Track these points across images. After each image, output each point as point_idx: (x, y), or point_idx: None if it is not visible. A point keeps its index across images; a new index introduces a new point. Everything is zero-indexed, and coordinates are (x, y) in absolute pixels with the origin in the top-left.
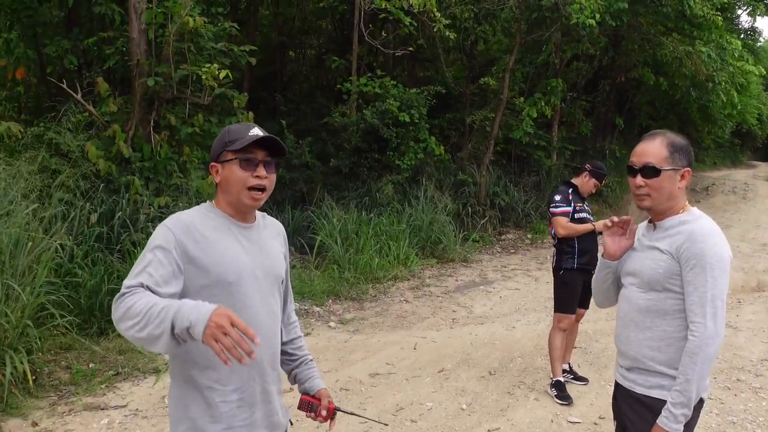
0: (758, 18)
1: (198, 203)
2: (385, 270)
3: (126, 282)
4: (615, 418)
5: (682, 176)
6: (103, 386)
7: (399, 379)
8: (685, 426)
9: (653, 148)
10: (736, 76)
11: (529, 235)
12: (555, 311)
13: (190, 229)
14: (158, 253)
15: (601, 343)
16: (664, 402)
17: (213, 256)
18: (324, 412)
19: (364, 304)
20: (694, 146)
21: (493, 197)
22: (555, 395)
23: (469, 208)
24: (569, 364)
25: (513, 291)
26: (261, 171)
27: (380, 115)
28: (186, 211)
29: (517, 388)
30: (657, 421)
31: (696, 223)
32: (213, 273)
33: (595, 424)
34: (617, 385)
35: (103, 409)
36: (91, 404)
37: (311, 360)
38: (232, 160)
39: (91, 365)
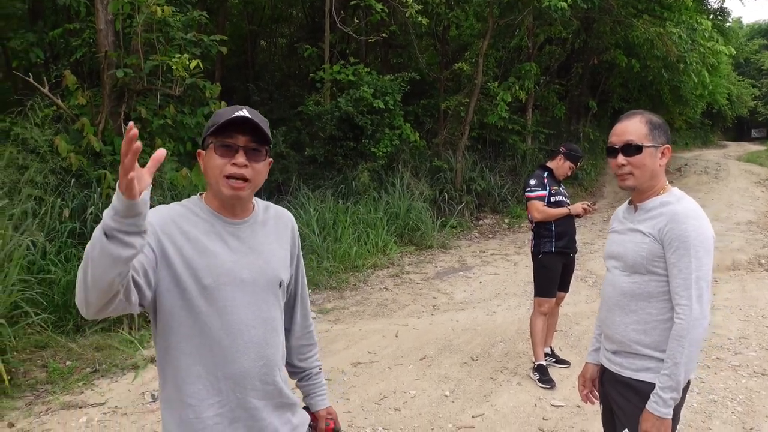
0: None
1: (172, 196)
2: (364, 258)
3: None
4: (601, 402)
5: (663, 153)
6: (80, 384)
7: (382, 368)
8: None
9: (633, 126)
10: (706, 57)
11: (506, 220)
12: (535, 295)
13: (168, 224)
14: None
15: (581, 326)
16: (651, 385)
17: (189, 256)
18: None
19: (344, 293)
20: None
21: (469, 183)
22: (537, 379)
23: (446, 194)
24: (551, 347)
25: (492, 276)
26: (239, 158)
27: (355, 103)
28: (170, 204)
29: (499, 374)
30: (646, 405)
31: (678, 204)
32: (186, 275)
33: (578, 406)
34: (603, 369)
35: (81, 408)
36: (69, 403)
37: (318, 373)
38: (210, 144)
39: (67, 363)
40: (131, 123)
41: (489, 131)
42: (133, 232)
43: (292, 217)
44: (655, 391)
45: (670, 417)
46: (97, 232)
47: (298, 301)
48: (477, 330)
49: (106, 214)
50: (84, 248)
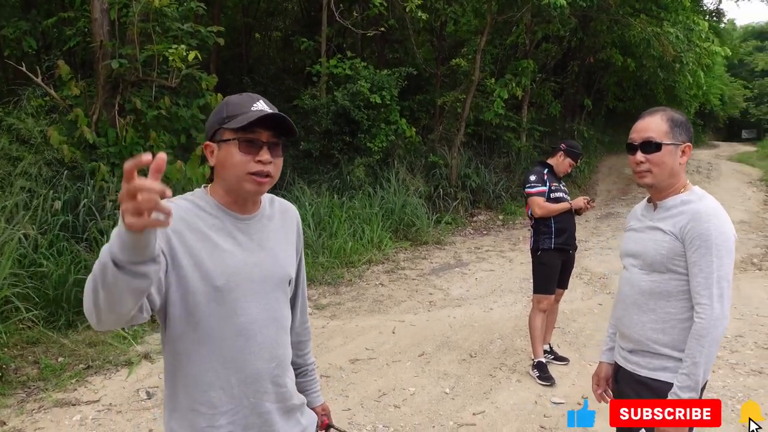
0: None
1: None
2: (360, 254)
3: None
4: None
5: (683, 152)
6: (73, 381)
7: (380, 364)
8: None
9: (653, 123)
10: (702, 57)
11: (500, 216)
12: (534, 292)
13: (177, 223)
14: None
15: (578, 323)
16: (668, 384)
17: (198, 256)
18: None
19: (340, 289)
20: None
21: (464, 179)
22: (537, 376)
23: (441, 190)
24: (550, 344)
25: (488, 272)
26: (265, 155)
27: (351, 97)
28: (173, 198)
29: (498, 370)
30: None
31: (700, 203)
32: (197, 277)
33: (579, 404)
34: (618, 368)
35: (74, 405)
36: (62, 400)
37: (313, 370)
38: (230, 140)
39: (60, 359)
40: (162, 154)
41: (484, 128)
42: (145, 261)
43: (297, 212)
44: (672, 390)
45: None
46: (105, 257)
47: (299, 297)
48: (474, 326)
49: (113, 242)
50: (76, 242)
